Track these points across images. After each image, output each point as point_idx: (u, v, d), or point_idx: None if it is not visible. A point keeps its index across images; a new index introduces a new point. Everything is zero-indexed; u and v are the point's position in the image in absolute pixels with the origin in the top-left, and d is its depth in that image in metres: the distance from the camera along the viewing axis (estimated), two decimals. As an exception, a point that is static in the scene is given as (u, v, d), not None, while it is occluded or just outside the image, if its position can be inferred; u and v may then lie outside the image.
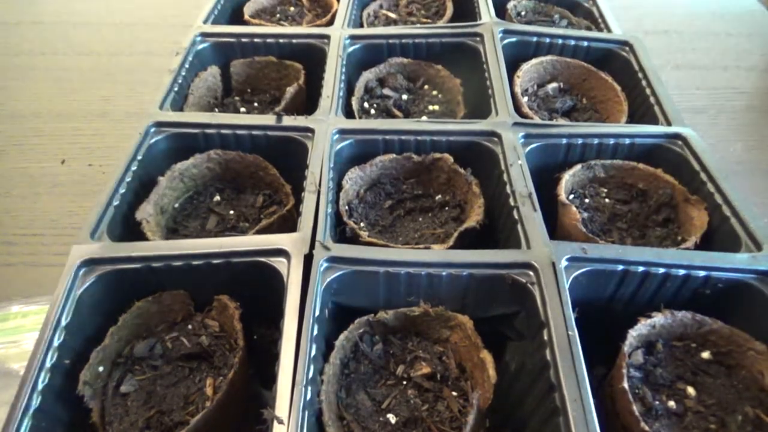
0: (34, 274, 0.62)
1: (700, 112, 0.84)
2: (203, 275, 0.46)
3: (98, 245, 0.46)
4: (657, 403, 0.40)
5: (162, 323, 0.47)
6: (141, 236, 0.49)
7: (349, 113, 0.63)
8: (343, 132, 0.57)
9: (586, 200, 0.56)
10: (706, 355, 0.43)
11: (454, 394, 0.43)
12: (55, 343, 0.40)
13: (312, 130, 0.56)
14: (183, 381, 0.43)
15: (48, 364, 0.39)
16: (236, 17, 0.82)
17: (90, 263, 0.45)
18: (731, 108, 0.85)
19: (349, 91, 0.66)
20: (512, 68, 0.67)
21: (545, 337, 0.40)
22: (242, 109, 0.69)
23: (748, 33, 1.03)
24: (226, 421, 0.40)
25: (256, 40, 0.71)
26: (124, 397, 0.42)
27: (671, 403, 0.41)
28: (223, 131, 0.57)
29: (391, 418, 0.41)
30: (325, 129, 0.57)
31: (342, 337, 0.43)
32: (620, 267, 0.44)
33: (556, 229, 0.53)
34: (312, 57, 0.69)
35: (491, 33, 0.69)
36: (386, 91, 0.68)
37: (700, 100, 0.87)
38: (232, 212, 0.56)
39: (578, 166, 0.55)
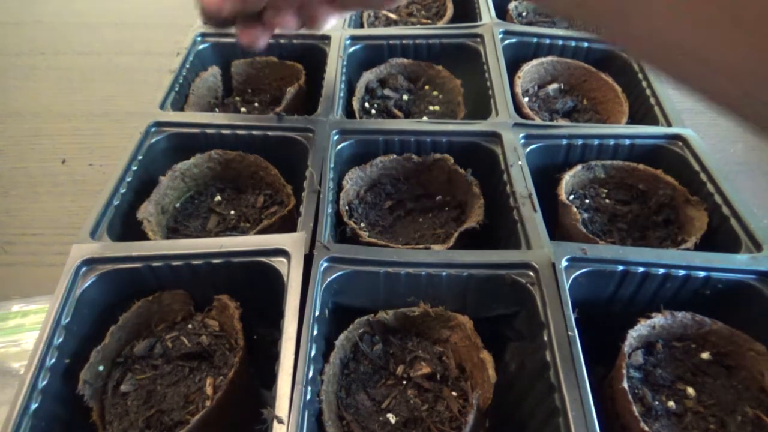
0: (34, 273, 0.62)
1: (700, 112, 0.84)
2: (204, 275, 0.46)
3: (98, 245, 0.46)
4: (657, 403, 0.40)
5: (162, 323, 0.47)
6: (141, 236, 0.49)
7: (349, 113, 0.63)
8: (343, 132, 0.57)
9: (587, 201, 0.56)
10: (705, 355, 0.43)
11: (454, 394, 0.43)
12: (55, 342, 0.40)
13: (312, 131, 0.56)
14: (183, 380, 0.43)
15: (48, 364, 0.39)
16: (237, 17, 0.82)
17: (90, 263, 0.45)
18: (731, 109, 0.85)
19: (350, 91, 0.66)
20: (513, 69, 0.67)
21: (545, 338, 0.40)
22: (243, 109, 0.69)
23: (748, 34, 1.03)
24: (226, 421, 0.40)
25: (256, 40, 0.71)
26: (124, 396, 0.42)
27: (671, 404, 0.41)
28: (224, 131, 0.57)
29: (391, 418, 0.41)
30: (326, 129, 0.57)
31: (342, 337, 0.43)
32: (620, 267, 0.44)
33: (556, 230, 0.53)
34: (312, 57, 0.69)
35: (491, 34, 0.69)
36: (387, 92, 0.68)
37: (700, 101, 0.86)
38: (232, 212, 0.56)
39: (578, 167, 0.56)
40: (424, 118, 0.64)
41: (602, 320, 0.43)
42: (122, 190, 0.51)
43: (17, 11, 1.07)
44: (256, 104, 0.70)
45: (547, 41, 0.70)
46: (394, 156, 0.57)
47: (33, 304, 0.57)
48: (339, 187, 0.54)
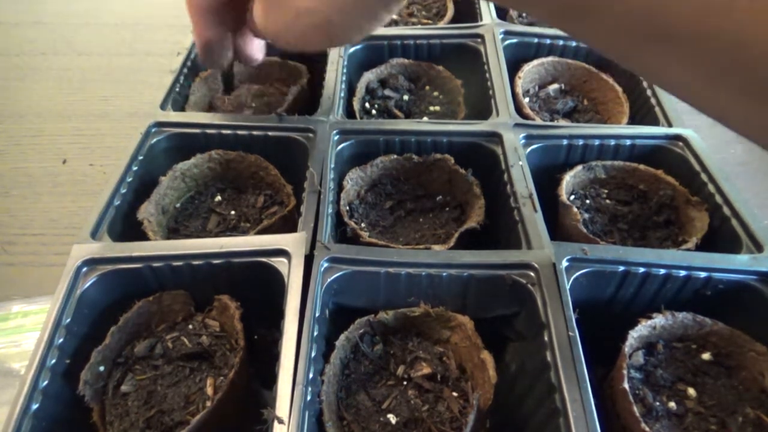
0: (34, 273, 0.62)
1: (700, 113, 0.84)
2: (204, 275, 0.46)
3: (99, 245, 0.46)
4: (657, 404, 0.40)
5: (163, 323, 0.47)
6: (142, 236, 0.49)
7: (350, 114, 0.63)
8: (344, 132, 0.57)
9: (587, 201, 0.56)
10: (706, 356, 0.43)
11: (455, 394, 0.43)
12: (56, 342, 0.40)
13: (313, 131, 0.56)
14: (183, 381, 0.43)
15: (48, 364, 0.39)
16: (237, 17, 0.82)
17: (91, 263, 0.45)
18: (732, 109, 0.85)
19: (350, 91, 0.66)
20: (513, 69, 0.67)
21: (546, 338, 0.40)
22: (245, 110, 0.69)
23: (748, 34, 1.02)
24: (226, 421, 0.40)
25: (257, 40, 0.71)
26: (124, 396, 0.42)
27: (672, 404, 0.41)
28: (224, 131, 0.57)
29: (392, 418, 0.41)
30: (326, 129, 0.57)
31: (342, 337, 0.43)
32: (621, 268, 0.44)
33: (556, 230, 0.53)
34: (313, 58, 0.69)
35: (492, 34, 0.69)
36: (387, 92, 0.68)
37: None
38: (233, 212, 0.56)
39: (579, 167, 0.55)
40: (425, 119, 0.64)
41: (603, 320, 0.43)
42: (123, 191, 0.51)
43: (17, 11, 1.07)
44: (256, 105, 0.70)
45: (548, 41, 0.70)
46: (395, 156, 0.57)
47: (33, 305, 0.57)
48: (339, 188, 0.54)
